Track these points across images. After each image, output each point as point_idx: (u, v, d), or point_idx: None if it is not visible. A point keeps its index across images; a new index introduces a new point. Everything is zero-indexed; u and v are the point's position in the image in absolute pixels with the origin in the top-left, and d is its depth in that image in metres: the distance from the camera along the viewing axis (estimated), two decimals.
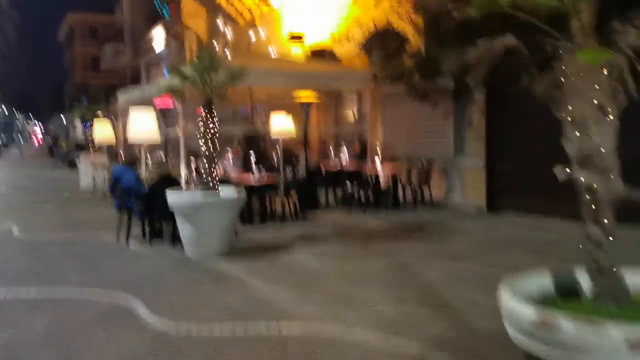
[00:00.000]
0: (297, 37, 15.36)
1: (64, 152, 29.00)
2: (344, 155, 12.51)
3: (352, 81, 12.73)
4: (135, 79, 39.35)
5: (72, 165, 26.42)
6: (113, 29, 48.23)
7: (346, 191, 11.28)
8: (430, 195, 10.88)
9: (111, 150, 15.88)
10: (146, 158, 14.34)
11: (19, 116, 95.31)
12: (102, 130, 16.91)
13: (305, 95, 11.09)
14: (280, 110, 13.55)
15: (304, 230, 9.10)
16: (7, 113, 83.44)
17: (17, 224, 10.37)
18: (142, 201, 8.45)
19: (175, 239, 8.12)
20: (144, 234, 8.90)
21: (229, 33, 21.12)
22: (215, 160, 7.75)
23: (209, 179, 7.62)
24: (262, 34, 18.34)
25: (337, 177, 11.63)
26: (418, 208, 10.81)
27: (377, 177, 11.03)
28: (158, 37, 32.40)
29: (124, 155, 15.10)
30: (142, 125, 11.22)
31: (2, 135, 77.30)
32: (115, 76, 48.26)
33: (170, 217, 8.20)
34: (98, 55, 52.07)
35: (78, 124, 26.76)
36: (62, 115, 62.34)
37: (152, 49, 34.17)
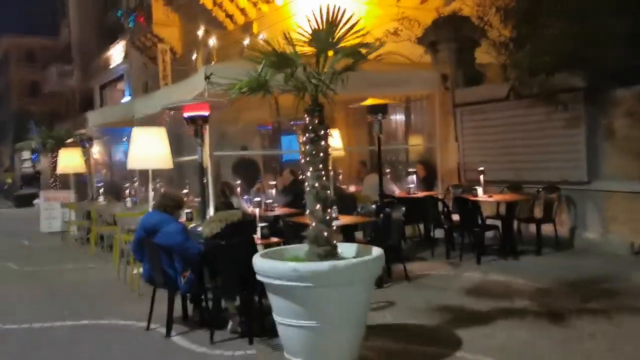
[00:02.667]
0: None
1: (9, 187, 24.79)
2: (411, 180, 9.59)
3: (417, 84, 9.85)
4: (85, 102, 35.39)
5: (21, 202, 22.44)
6: (54, 52, 44.13)
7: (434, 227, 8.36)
8: (556, 232, 8.06)
9: (111, 185, 12.39)
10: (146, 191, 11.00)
11: None
12: (70, 160, 13.44)
13: (374, 100, 8.14)
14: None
15: (426, 299, 6.08)
16: None
17: None
18: (194, 267, 5.26)
19: (251, 327, 5.01)
20: (185, 316, 5.72)
21: (213, 41, 17.97)
22: (328, 195, 4.67)
23: (324, 227, 4.54)
24: (262, 37, 15.33)
25: (416, 208, 8.66)
26: (541, 251, 7.97)
27: (476, 209, 8.14)
28: (117, 53, 28.82)
29: (107, 189, 11.70)
30: (149, 147, 8.16)
31: None
32: (58, 101, 44.13)
33: (242, 291, 5.12)
34: (37, 79, 47.88)
35: (26, 154, 22.78)
36: None
37: (107, 68, 30.50)
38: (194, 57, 19.73)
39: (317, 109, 4.69)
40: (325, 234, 4.55)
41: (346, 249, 4.77)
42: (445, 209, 8.11)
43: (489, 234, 8.31)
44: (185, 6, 20.54)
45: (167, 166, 8.41)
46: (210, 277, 5.31)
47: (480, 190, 8.14)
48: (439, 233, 8.94)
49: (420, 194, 9.26)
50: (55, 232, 13.40)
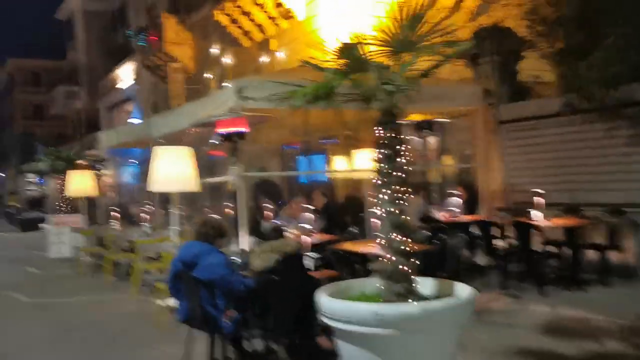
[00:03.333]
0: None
1: (14, 210, 24.06)
2: (453, 203, 8.89)
3: (459, 99, 9.15)
4: (91, 125, 34.90)
5: (26, 226, 21.73)
6: (59, 74, 43.82)
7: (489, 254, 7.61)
8: (622, 260, 7.30)
9: (123, 209, 11.66)
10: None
11: None
12: (80, 182, 12.77)
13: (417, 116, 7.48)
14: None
15: (497, 339, 5.33)
16: None
17: None
18: (239, 305, 4.53)
19: None
20: None
21: (227, 59, 17.42)
22: (406, 222, 3.94)
23: (403, 260, 3.82)
24: (280, 54, 14.77)
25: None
26: (607, 280, 7.20)
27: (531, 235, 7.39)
28: (125, 74, 28.35)
29: (123, 213, 11.00)
30: (173, 168, 7.50)
31: None
32: (63, 124, 43.76)
33: (297, 333, 4.39)
34: (42, 102, 47.75)
35: (32, 177, 22.15)
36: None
37: (115, 89, 30.02)
38: (207, 75, 19.28)
39: (392, 120, 4.01)
40: (405, 268, 3.84)
41: (421, 285, 4.04)
42: (500, 234, 7.38)
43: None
44: (199, 24, 20.09)
45: (193, 189, 7.73)
46: (257, 316, 4.58)
47: (537, 213, 7.41)
48: (482, 260, 8.20)
49: (464, 218, 8.55)
50: (65, 258, 12.68)
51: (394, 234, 3.88)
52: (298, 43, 14.40)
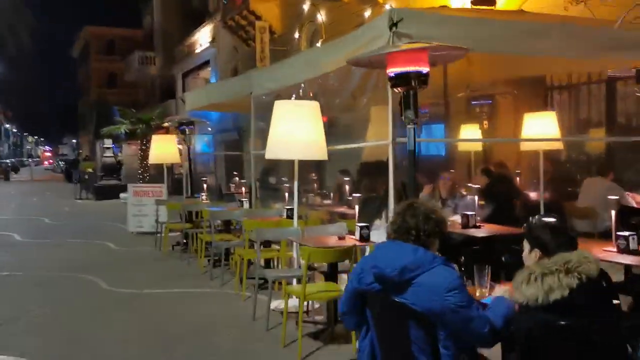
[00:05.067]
0: None
1: (89, 177, 23.12)
2: None
3: None
4: (165, 92, 33.91)
5: (101, 194, 20.74)
6: (134, 42, 43.22)
7: None
8: None
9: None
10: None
11: (28, 137, 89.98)
12: (163, 148, 11.20)
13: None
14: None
15: None
16: (18, 133, 78.56)
17: None
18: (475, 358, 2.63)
19: None
20: None
21: (321, 16, 15.45)
22: None
23: None
24: (388, 6, 12.65)
25: None
26: None
27: None
28: (202, 38, 26.87)
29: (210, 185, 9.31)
30: (297, 129, 5.76)
31: (11, 157, 71.89)
32: (135, 92, 43.35)
33: None
34: (116, 70, 48.08)
35: (108, 143, 21.07)
36: (74, 135, 57.02)
37: (191, 55, 28.64)
38: (296, 35, 17.40)
39: None
40: None
41: None
42: None
43: None
44: None
45: (320, 156, 5.88)
46: None
47: None
48: None
49: None
50: (146, 232, 11.25)
51: None
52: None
